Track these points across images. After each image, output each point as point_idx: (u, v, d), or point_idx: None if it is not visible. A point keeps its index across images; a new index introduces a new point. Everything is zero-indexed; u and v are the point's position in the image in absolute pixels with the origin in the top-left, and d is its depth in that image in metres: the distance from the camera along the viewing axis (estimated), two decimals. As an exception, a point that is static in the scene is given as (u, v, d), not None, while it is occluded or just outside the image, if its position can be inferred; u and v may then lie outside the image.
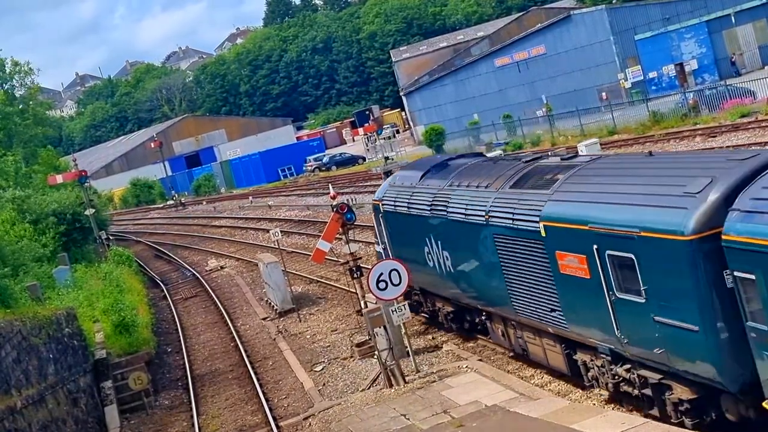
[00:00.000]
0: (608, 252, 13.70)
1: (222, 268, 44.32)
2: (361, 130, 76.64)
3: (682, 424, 13.43)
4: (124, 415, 23.45)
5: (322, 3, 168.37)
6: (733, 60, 67.73)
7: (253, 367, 24.90)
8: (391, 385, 18.96)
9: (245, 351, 26.98)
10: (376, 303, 19.69)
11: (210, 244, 54.49)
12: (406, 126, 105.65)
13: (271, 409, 20.84)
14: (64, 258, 36.99)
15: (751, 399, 12.11)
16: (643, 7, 75.57)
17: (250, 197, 74.59)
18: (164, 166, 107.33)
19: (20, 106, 62.85)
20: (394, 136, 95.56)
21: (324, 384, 21.56)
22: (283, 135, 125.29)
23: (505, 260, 17.27)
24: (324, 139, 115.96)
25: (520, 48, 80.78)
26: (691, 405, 13.25)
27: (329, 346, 24.90)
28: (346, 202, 22.64)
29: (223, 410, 22.34)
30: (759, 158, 12.48)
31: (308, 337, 26.68)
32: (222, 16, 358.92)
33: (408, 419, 16.55)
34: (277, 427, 19.40)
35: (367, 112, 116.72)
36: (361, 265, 20.06)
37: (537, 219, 15.71)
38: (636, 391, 14.43)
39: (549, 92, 76.68)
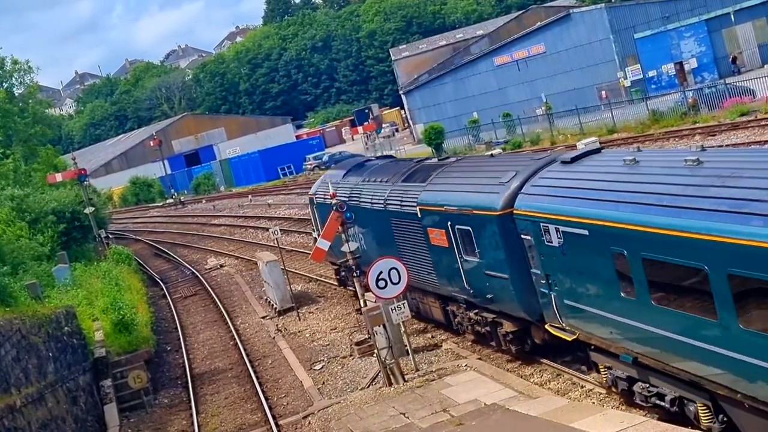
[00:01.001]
0: (457, 226, 19.19)
1: (221, 266, 44.33)
2: (360, 129, 76.64)
3: (510, 352, 18.99)
4: (123, 413, 23.46)
5: (321, 1, 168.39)
6: (734, 58, 67.72)
7: (252, 366, 24.91)
8: (390, 384, 18.97)
9: (245, 349, 26.99)
10: (375, 302, 19.70)
11: (209, 242, 54.50)
12: (406, 124, 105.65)
13: (270, 408, 20.85)
14: (64, 256, 37.00)
15: (543, 324, 17.11)
16: (643, 6, 75.51)
17: (250, 196, 74.58)
18: (164, 165, 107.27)
19: (20, 105, 62.73)
20: (394, 135, 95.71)
21: (323, 382, 21.57)
22: (283, 133, 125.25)
23: (398, 237, 22.81)
24: (323, 138, 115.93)
25: (519, 46, 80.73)
26: (514, 335, 18.50)
27: (329, 344, 24.91)
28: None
29: (222, 409, 22.34)
30: (547, 158, 17.67)
31: (308, 335, 26.68)
32: (221, 14, 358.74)
33: (407, 418, 16.56)
34: (277, 425, 19.41)
35: (367, 111, 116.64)
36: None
37: (415, 204, 21.21)
38: (483, 329, 19.85)
39: (548, 91, 76.65)
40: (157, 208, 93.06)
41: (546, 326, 16.89)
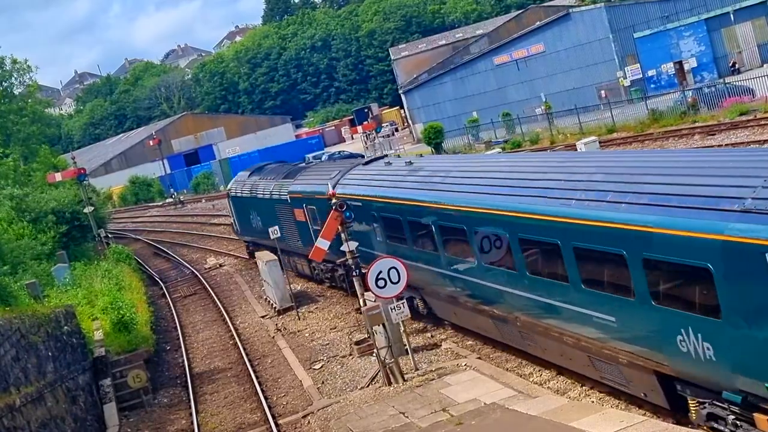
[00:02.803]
0: (307, 206, 28.98)
1: (221, 266, 44.32)
2: (360, 128, 76.63)
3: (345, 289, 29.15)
4: (123, 412, 23.45)
5: (321, 1, 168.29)
6: (733, 63, 67.70)
7: (252, 365, 24.91)
8: (390, 383, 18.97)
9: (244, 349, 26.98)
10: (375, 301, 19.69)
11: (209, 242, 54.48)
12: (405, 124, 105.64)
13: (270, 407, 20.84)
14: (63, 256, 37.00)
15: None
16: (642, 5, 75.49)
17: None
18: (163, 164, 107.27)
19: (19, 104, 62.71)
20: (393, 134, 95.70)
21: (323, 382, 21.56)
22: (282, 133, 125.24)
23: (279, 216, 32.74)
24: (323, 137, 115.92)
25: (519, 46, 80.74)
26: (347, 277, 27.24)
27: (328, 344, 24.90)
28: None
29: (222, 408, 22.33)
30: (355, 162, 28.17)
31: (307, 335, 26.68)
32: (220, 14, 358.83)
33: (407, 417, 16.55)
34: (276, 425, 19.40)
35: (366, 110, 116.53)
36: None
37: (287, 193, 31.61)
38: (327, 276, 30.48)
39: (548, 90, 76.67)
40: (157, 207, 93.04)
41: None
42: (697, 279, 11.70)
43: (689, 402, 13.17)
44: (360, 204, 23.85)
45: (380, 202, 23.37)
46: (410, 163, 23.76)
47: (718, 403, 12.43)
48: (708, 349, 11.82)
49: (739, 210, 11.11)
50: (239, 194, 40.10)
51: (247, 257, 42.99)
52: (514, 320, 17.85)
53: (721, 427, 12.55)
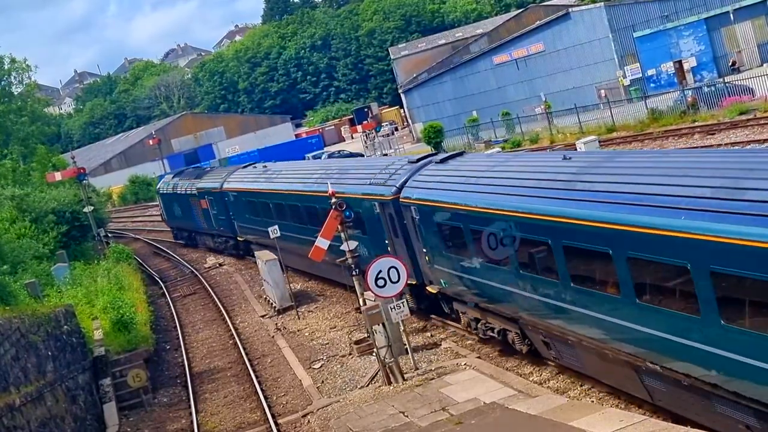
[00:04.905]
0: (208, 198, 43.34)
1: (220, 265, 44.31)
2: (359, 128, 76.64)
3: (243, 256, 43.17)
4: (122, 412, 23.45)
5: (320, 0, 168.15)
6: (733, 62, 67.65)
7: (251, 365, 24.91)
8: (389, 383, 18.97)
9: (244, 348, 26.98)
10: (374, 300, 19.70)
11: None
12: (405, 123, 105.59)
13: (269, 407, 20.85)
14: (63, 255, 37.00)
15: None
16: (642, 5, 75.41)
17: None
18: (163, 164, 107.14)
19: (18, 103, 62.67)
20: (393, 134, 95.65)
21: (323, 381, 21.57)
22: (282, 132, 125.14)
23: (193, 208, 46.52)
24: (323, 137, 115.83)
25: (518, 45, 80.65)
26: (227, 245, 45.71)
27: (328, 343, 24.90)
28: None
29: (221, 407, 22.33)
30: (241, 166, 43.75)
31: (307, 334, 26.68)
32: (219, 13, 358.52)
33: (406, 416, 16.55)
34: (276, 424, 19.40)
35: (366, 110, 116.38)
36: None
37: (195, 189, 45.77)
38: (224, 246, 45.30)
39: (548, 90, 76.59)
40: (157, 207, 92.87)
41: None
42: None
43: None
44: (253, 199, 35.97)
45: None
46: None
47: None
48: None
49: None
50: (165, 191, 54.71)
51: (173, 239, 57.60)
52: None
53: None
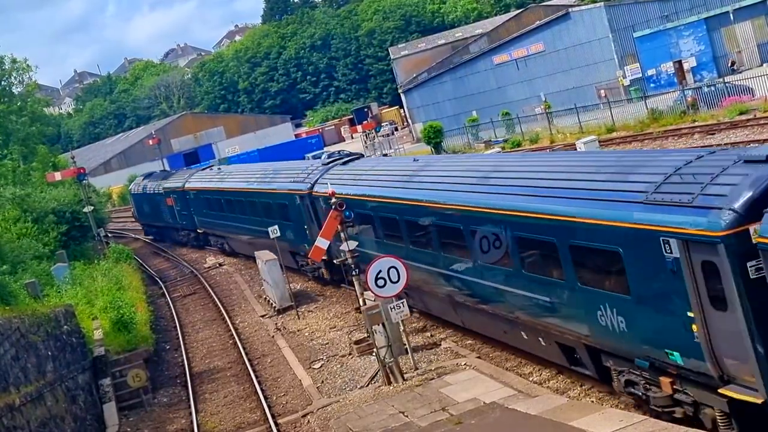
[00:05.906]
0: (173, 196, 50.61)
1: (220, 265, 44.31)
2: (359, 128, 76.55)
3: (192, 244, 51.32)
4: (122, 412, 23.45)
5: (320, 0, 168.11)
6: (732, 63, 67.64)
7: (251, 365, 24.91)
8: (389, 383, 18.97)
9: (244, 348, 26.98)
10: (374, 300, 19.69)
11: (208, 241, 54.47)
12: (405, 123, 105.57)
13: (269, 407, 20.85)
14: (63, 255, 36.99)
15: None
16: (642, 5, 75.39)
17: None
18: (163, 164, 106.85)
19: (18, 104, 62.63)
20: (393, 134, 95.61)
21: (322, 381, 21.57)
22: (282, 132, 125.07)
23: (161, 205, 53.86)
24: (322, 137, 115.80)
25: (518, 45, 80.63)
26: (197, 238, 51.49)
27: (328, 343, 24.90)
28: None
29: (221, 407, 22.33)
30: (198, 168, 57.39)
31: (307, 334, 26.67)
32: (219, 13, 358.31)
33: (406, 416, 16.55)
34: (276, 424, 19.40)
35: (366, 110, 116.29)
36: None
37: (162, 188, 53.25)
38: (190, 239, 51.53)
39: (547, 90, 76.58)
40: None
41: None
42: None
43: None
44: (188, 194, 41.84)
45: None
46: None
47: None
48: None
49: None
50: (136, 192, 61.94)
51: (141, 229, 66.33)
52: None
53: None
